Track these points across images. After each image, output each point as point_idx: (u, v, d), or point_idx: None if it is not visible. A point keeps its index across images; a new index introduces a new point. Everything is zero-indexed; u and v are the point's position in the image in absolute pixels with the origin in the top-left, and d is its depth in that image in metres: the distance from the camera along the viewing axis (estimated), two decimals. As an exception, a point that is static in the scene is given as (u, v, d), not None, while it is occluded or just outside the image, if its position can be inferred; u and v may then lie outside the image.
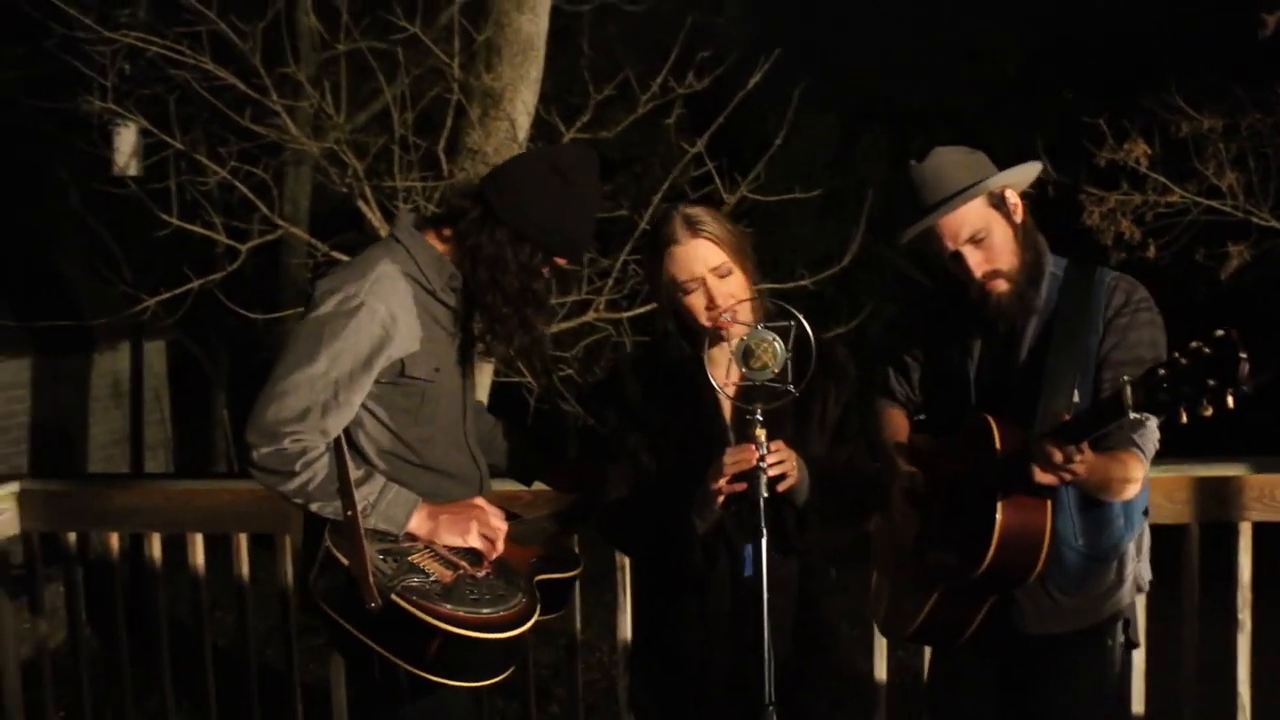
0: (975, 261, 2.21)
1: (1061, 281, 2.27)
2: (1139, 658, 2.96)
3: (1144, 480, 2.22)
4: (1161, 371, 1.73)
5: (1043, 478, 1.96)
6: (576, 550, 2.72)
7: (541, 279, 2.26)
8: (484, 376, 5.15)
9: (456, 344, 2.31)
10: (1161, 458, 2.24)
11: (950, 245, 2.22)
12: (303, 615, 3.27)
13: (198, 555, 3.22)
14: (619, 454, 2.29)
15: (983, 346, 2.31)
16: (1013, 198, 2.26)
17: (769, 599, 1.96)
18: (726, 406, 2.23)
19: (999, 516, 2.07)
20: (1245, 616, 2.98)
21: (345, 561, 2.06)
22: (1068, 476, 1.96)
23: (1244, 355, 1.66)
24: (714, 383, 2.10)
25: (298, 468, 2.09)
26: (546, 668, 6.02)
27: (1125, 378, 1.81)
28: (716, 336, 2.17)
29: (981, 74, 17.76)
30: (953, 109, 16.83)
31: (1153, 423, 2.18)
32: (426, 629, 2.00)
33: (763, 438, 1.99)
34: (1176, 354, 1.72)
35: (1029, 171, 2.32)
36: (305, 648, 3.58)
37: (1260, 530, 2.97)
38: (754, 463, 1.98)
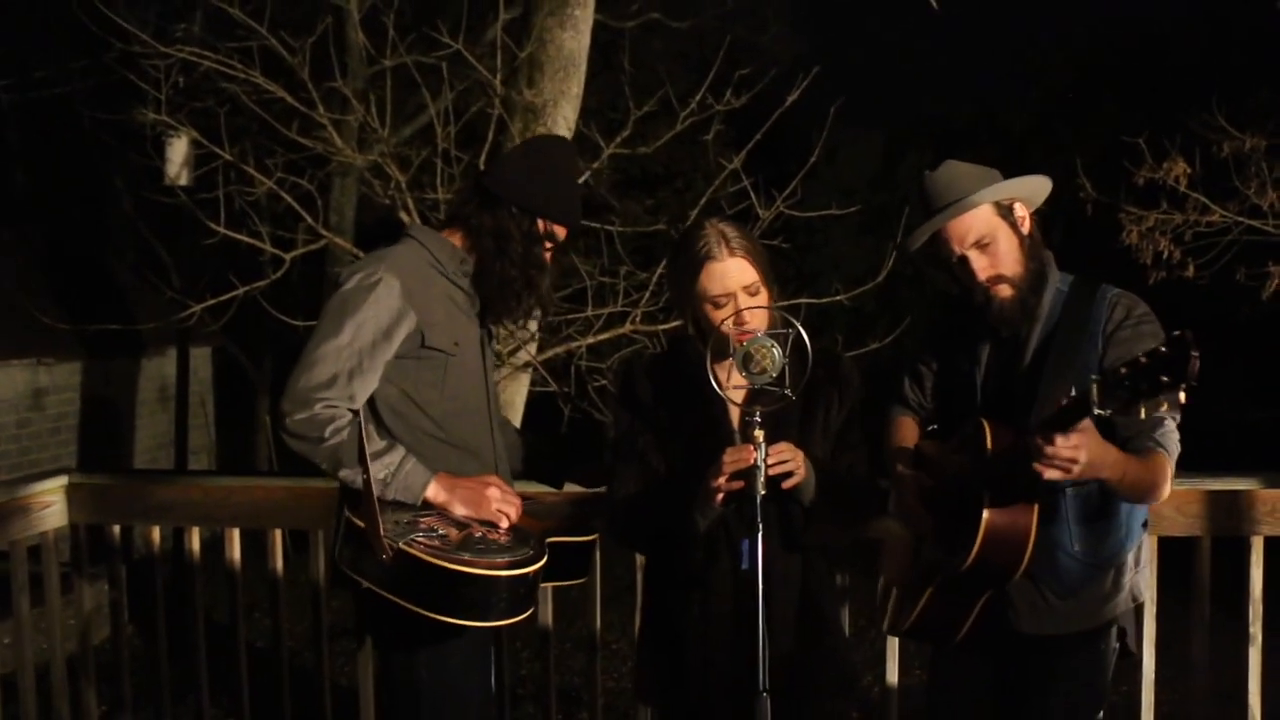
0: (980, 265, 2.29)
1: (1066, 296, 2.34)
2: (1149, 669, 2.97)
3: (1169, 478, 2.23)
4: (1123, 370, 1.79)
5: (1041, 469, 2.00)
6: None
7: (541, 245, 2.49)
8: (520, 386, 5.23)
9: (474, 327, 2.51)
10: (1174, 471, 2.26)
11: (957, 249, 2.30)
12: (334, 615, 3.36)
13: (234, 550, 3.33)
14: (629, 454, 2.38)
15: (990, 354, 2.39)
16: (1020, 210, 2.34)
17: (772, 593, 2.04)
18: (733, 410, 2.31)
19: (985, 514, 2.14)
20: (1256, 630, 2.99)
21: (362, 525, 2.21)
22: (1063, 466, 1.98)
23: (1195, 354, 1.72)
24: (716, 386, 2.18)
25: (327, 434, 2.27)
26: (578, 674, 6.08)
27: (1094, 376, 1.86)
28: (721, 344, 2.23)
29: (1026, 93, 17.69)
30: (997, 127, 16.77)
31: (1171, 425, 2.23)
32: (433, 572, 2.14)
33: (762, 439, 2.06)
34: (1139, 355, 1.79)
35: (1037, 185, 2.38)
36: (337, 650, 3.66)
37: (1272, 545, 2.98)
38: (751, 462, 2.05)
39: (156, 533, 3.43)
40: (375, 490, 2.23)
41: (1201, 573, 2.98)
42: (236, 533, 3.32)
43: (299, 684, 3.44)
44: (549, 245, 2.52)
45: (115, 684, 3.52)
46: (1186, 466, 2.65)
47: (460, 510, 2.34)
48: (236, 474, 3.40)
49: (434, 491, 2.33)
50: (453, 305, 2.45)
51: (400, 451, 2.34)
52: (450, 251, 2.47)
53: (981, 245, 2.29)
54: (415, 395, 2.41)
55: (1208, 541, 2.97)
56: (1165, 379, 1.74)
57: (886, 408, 2.59)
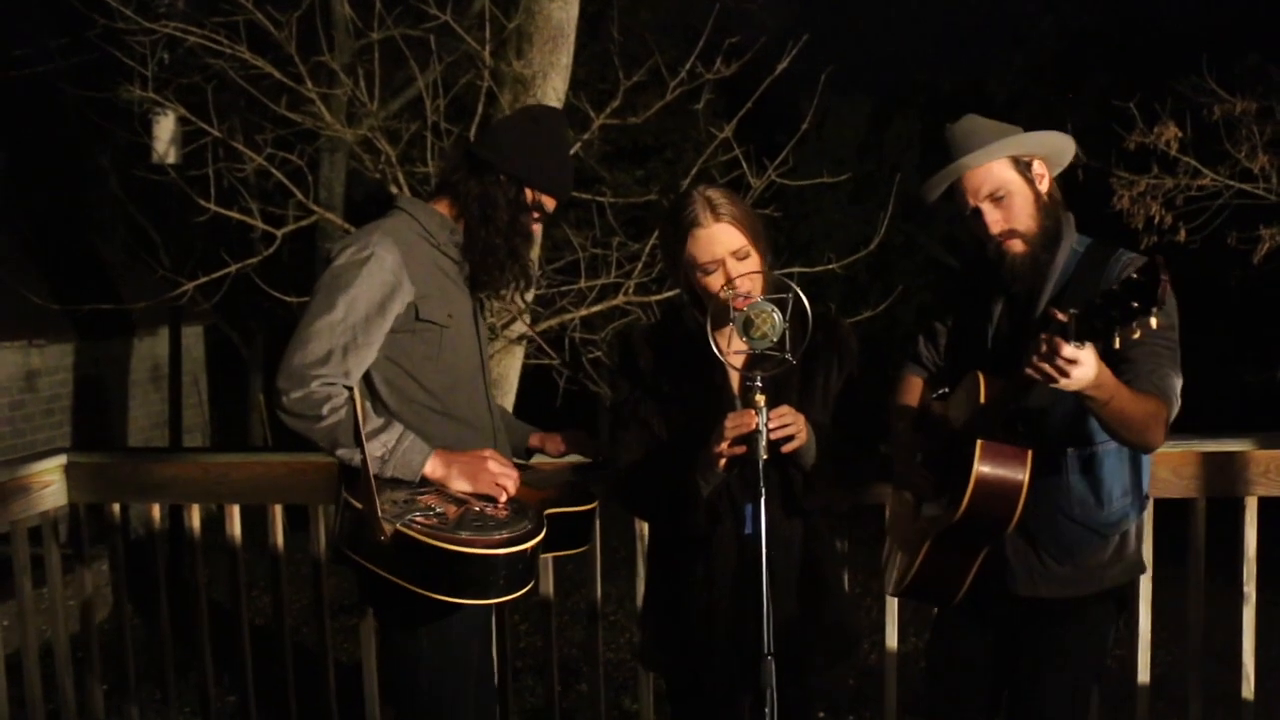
0: (993, 219, 2.29)
1: (1080, 256, 2.33)
2: (1145, 630, 3.01)
3: (1164, 425, 2.19)
4: (1098, 301, 1.81)
5: (1032, 371, 1.95)
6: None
7: (528, 214, 2.48)
8: (514, 360, 5.23)
9: (466, 298, 2.51)
10: (1168, 433, 2.27)
11: (971, 201, 2.30)
12: (335, 591, 3.37)
13: (234, 526, 3.34)
14: (630, 421, 2.39)
15: (1002, 311, 2.39)
16: (1039, 168, 2.33)
17: (773, 556, 2.06)
18: (733, 376, 2.32)
19: (976, 462, 2.14)
20: (1250, 589, 3.03)
21: (360, 505, 2.22)
22: (1060, 369, 1.92)
23: (1164, 277, 1.73)
24: (717, 351, 2.19)
25: (325, 411, 2.25)
26: (577, 646, 6.12)
27: (1073, 309, 1.87)
28: (721, 310, 2.24)
29: (1014, 58, 17.62)
30: (985, 93, 16.71)
31: (1173, 378, 2.21)
32: (430, 552, 2.14)
33: (762, 403, 2.08)
34: (1113, 284, 1.80)
35: (1060, 143, 2.37)
36: (339, 626, 3.67)
37: (1266, 505, 3.00)
38: (753, 426, 2.07)
39: (156, 511, 3.44)
40: (373, 468, 2.23)
41: (1197, 534, 3.01)
42: (237, 509, 3.33)
43: (301, 659, 3.45)
44: (536, 215, 2.51)
45: (118, 663, 3.53)
46: (1181, 429, 2.67)
47: (458, 485, 2.34)
48: (235, 450, 3.39)
49: (432, 467, 2.33)
50: (444, 277, 2.45)
51: (398, 429, 2.33)
52: (440, 221, 2.46)
53: (996, 198, 2.29)
54: (411, 369, 2.40)
55: (1202, 503, 3.00)
56: (1136, 304, 1.75)
57: (899, 367, 2.59)
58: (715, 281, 2.29)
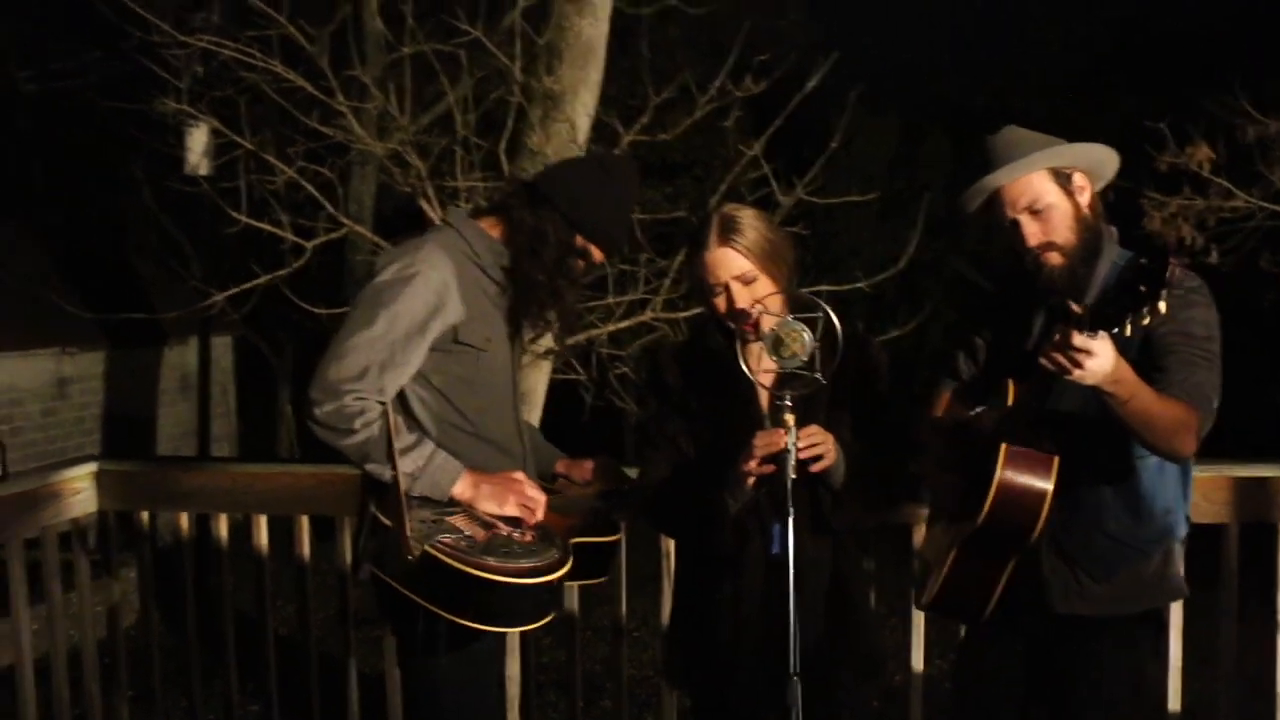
0: (1031, 231, 2.25)
1: (1120, 269, 2.27)
2: (1175, 655, 2.97)
3: (1196, 437, 2.14)
4: (1110, 291, 1.80)
5: (1045, 362, 1.94)
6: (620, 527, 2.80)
7: (575, 255, 2.43)
8: (542, 374, 5.23)
9: (505, 322, 2.47)
10: (1200, 458, 2.24)
11: (1009, 213, 2.27)
12: (360, 603, 3.38)
13: (261, 536, 3.36)
14: (659, 440, 2.40)
15: (1041, 324, 2.35)
16: (1080, 180, 2.29)
17: (801, 575, 2.04)
18: (762, 394, 2.32)
19: (1000, 466, 2.11)
20: (1284, 617, 2.99)
21: (388, 523, 2.20)
22: (1073, 360, 1.89)
23: (1172, 261, 1.72)
24: (746, 370, 2.19)
25: (357, 426, 2.24)
26: (599, 663, 6.10)
27: (1086, 301, 1.87)
28: (744, 334, 2.25)
29: (1046, 77, 17.55)
30: (1014, 111, 16.65)
31: (1207, 385, 2.16)
32: (459, 576, 2.13)
33: (792, 423, 2.07)
34: (1125, 271, 1.79)
35: (1101, 155, 2.33)
36: (363, 637, 3.68)
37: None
38: (783, 445, 2.06)
39: (184, 519, 3.46)
40: (403, 485, 2.22)
41: (1229, 559, 2.97)
42: (264, 519, 3.35)
43: (325, 670, 3.46)
44: (582, 262, 2.47)
45: (144, 669, 3.55)
46: (1214, 454, 2.63)
47: (486, 506, 2.32)
48: (262, 460, 3.42)
49: (461, 488, 2.31)
50: (487, 300, 2.42)
51: (429, 447, 2.31)
52: (488, 243, 2.43)
53: (1034, 211, 2.25)
54: (444, 389, 2.38)
55: (1235, 528, 2.96)
56: (1143, 289, 1.74)
57: (936, 384, 2.55)
58: (721, 303, 2.31)
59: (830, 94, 5.84)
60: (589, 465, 2.69)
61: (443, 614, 2.16)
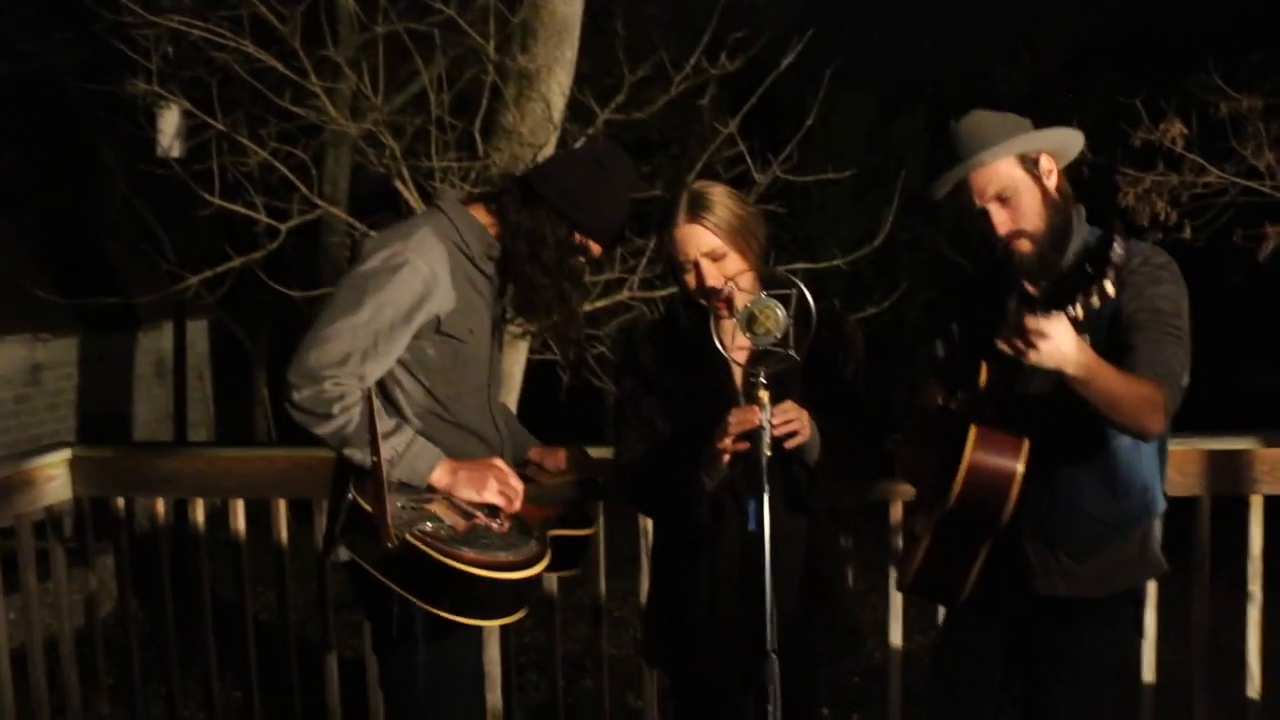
0: (1000, 220, 2.25)
1: (1091, 248, 2.31)
2: (1150, 628, 3.00)
3: (1165, 415, 2.14)
4: (1062, 273, 1.81)
5: (1001, 342, 1.93)
6: (598, 513, 2.80)
7: (576, 256, 2.40)
8: (519, 355, 5.22)
9: (489, 312, 2.45)
10: (1173, 431, 2.25)
11: (978, 201, 2.27)
12: (339, 587, 3.38)
13: (239, 520, 3.34)
14: (633, 419, 2.40)
15: (1014, 307, 2.35)
16: (1047, 164, 2.30)
17: (776, 554, 2.05)
18: (736, 371, 2.32)
19: (968, 448, 2.12)
20: (1256, 588, 3.03)
21: (368, 508, 2.18)
22: (1028, 341, 1.89)
23: (1116, 239, 1.73)
24: (720, 347, 2.18)
25: (335, 411, 2.22)
26: (579, 642, 6.12)
27: (1044, 280, 1.87)
28: (716, 311, 2.25)
29: (1021, 54, 17.58)
30: (991, 89, 16.68)
31: (1177, 363, 2.17)
32: (438, 567, 2.11)
33: (766, 400, 2.07)
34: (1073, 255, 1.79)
35: (1069, 138, 2.34)
36: (343, 621, 3.67)
37: (1271, 503, 2.99)
38: (757, 423, 2.07)
39: (160, 505, 3.44)
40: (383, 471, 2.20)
41: (1201, 532, 3.00)
42: (240, 504, 3.33)
43: (305, 654, 3.46)
44: (582, 258, 2.44)
45: (122, 657, 3.53)
46: (1186, 427, 2.64)
47: (464, 493, 2.31)
48: (238, 444, 3.40)
49: (439, 475, 2.30)
50: (473, 290, 2.39)
51: (408, 433, 2.30)
52: (478, 233, 2.39)
53: (1002, 199, 2.25)
54: (423, 376, 2.37)
55: (1208, 501, 2.99)
56: (1089, 268, 1.74)
57: (920, 374, 2.56)
58: (691, 280, 2.31)
59: (807, 72, 5.83)
60: (562, 454, 2.66)
61: (418, 603, 2.15)
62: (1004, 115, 2.33)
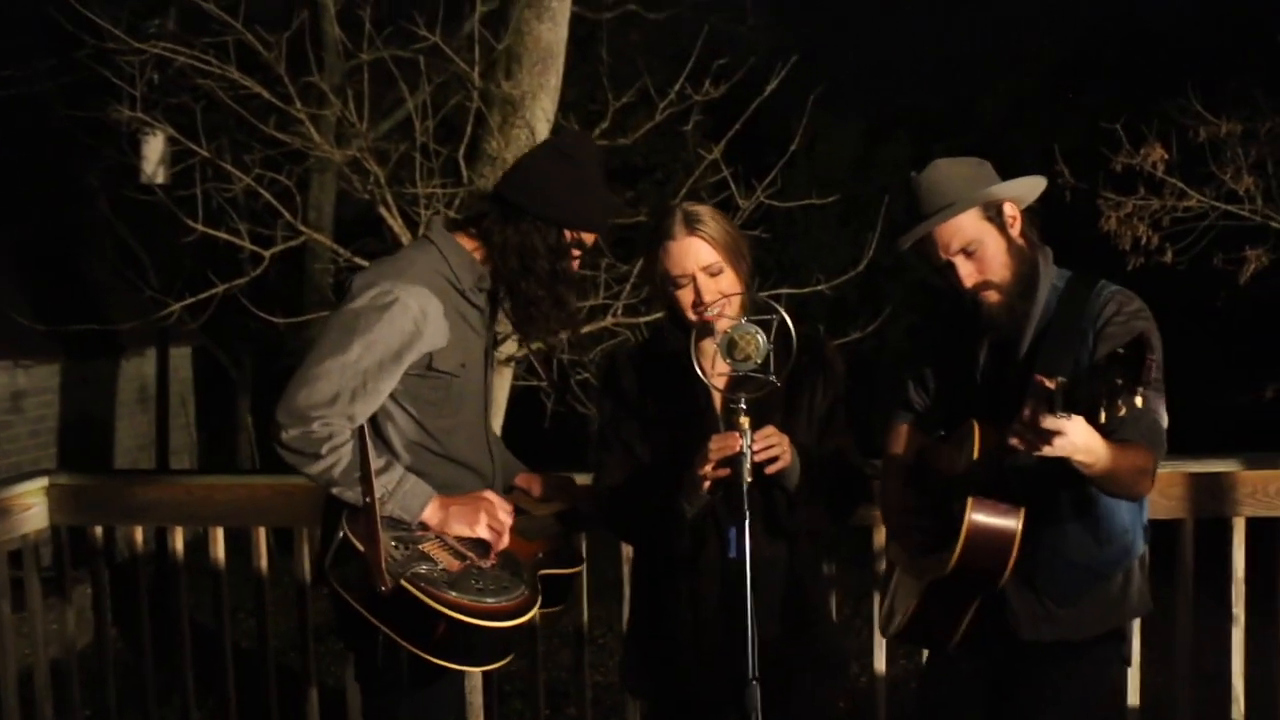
0: (965, 272, 2.25)
1: (1061, 292, 2.29)
2: (1134, 651, 2.99)
3: (1153, 475, 2.18)
4: (1084, 374, 1.79)
5: (1016, 441, 1.94)
6: (582, 549, 2.78)
7: (569, 258, 2.37)
8: (503, 380, 5.21)
9: (481, 344, 2.43)
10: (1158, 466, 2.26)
11: (943, 255, 2.26)
12: (320, 616, 3.34)
13: (219, 549, 3.31)
14: (614, 443, 2.38)
15: (987, 353, 2.35)
16: (1010, 210, 2.28)
17: (757, 580, 2.03)
18: (717, 397, 2.31)
19: (968, 516, 2.11)
20: (1239, 610, 3.03)
21: (361, 548, 2.15)
22: (1042, 438, 1.91)
23: (1151, 356, 1.71)
24: (700, 373, 2.17)
25: (324, 451, 2.19)
26: (565, 670, 6.08)
27: (1060, 378, 1.85)
28: (705, 330, 2.25)
29: (1004, 80, 17.74)
30: (975, 115, 16.82)
31: (1159, 420, 2.19)
32: (432, 614, 2.09)
33: (747, 426, 2.06)
34: (1099, 359, 1.78)
35: (1031, 185, 2.33)
36: (324, 650, 3.64)
37: (1254, 526, 3.00)
38: (738, 449, 2.05)
39: (139, 534, 3.41)
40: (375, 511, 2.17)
41: (1185, 554, 3.00)
42: (220, 532, 3.30)
43: (285, 684, 3.42)
44: (576, 255, 2.40)
45: (100, 688, 3.49)
46: (1169, 450, 2.64)
47: (455, 529, 2.28)
48: (219, 472, 3.37)
49: (430, 512, 2.27)
50: (465, 325, 2.36)
51: (398, 471, 2.27)
52: (468, 264, 2.36)
53: (968, 251, 2.24)
54: (415, 411, 2.34)
55: (1191, 523, 2.99)
56: (1120, 382, 1.73)
57: (890, 414, 2.54)
58: (686, 296, 2.28)
59: (792, 99, 5.87)
60: (548, 482, 2.64)
61: (407, 645, 2.12)
62: (965, 163, 2.31)
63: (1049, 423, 1.86)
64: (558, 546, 2.52)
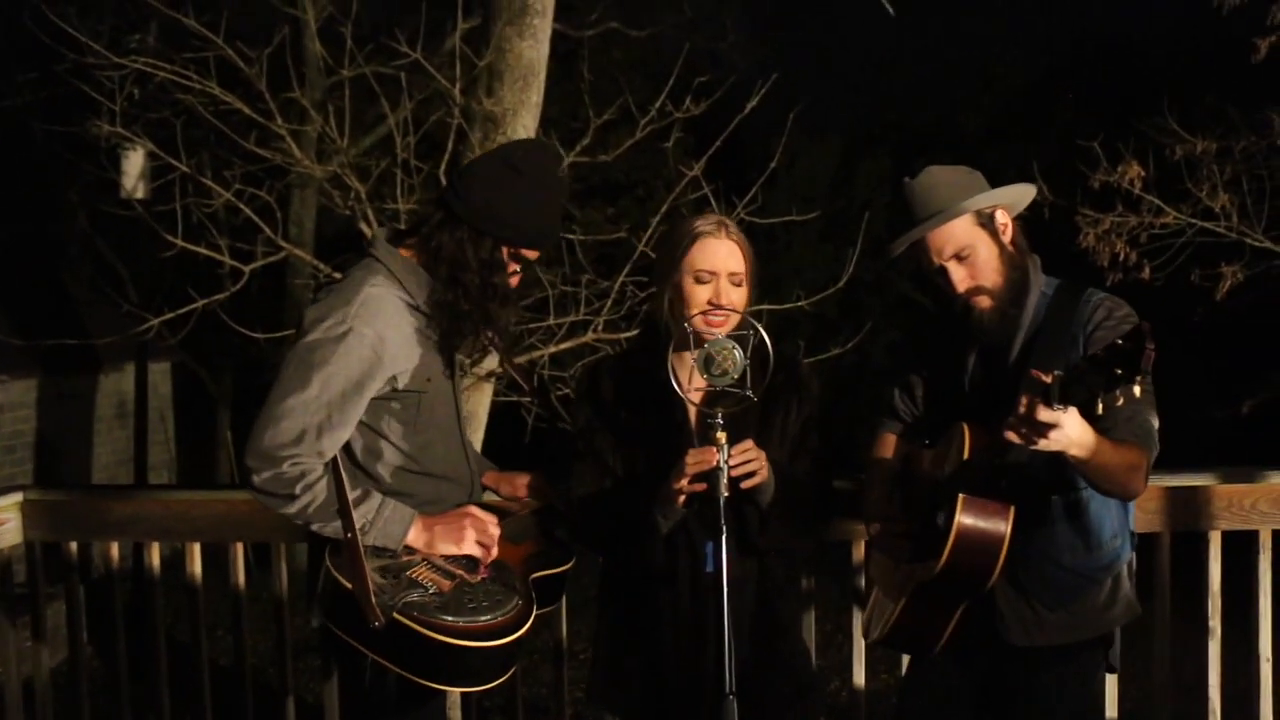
0: (958, 278, 2.28)
1: (1050, 300, 2.32)
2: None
3: (1145, 474, 2.19)
4: (1082, 365, 1.80)
5: (1010, 430, 1.94)
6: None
7: (503, 273, 2.30)
8: (484, 396, 5.20)
9: (442, 354, 2.37)
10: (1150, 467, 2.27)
11: (935, 260, 2.29)
12: (298, 633, 3.32)
13: (195, 564, 3.29)
14: (587, 454, 2.38)
15: (975, 360, 2.37)
16: (1002, 218, 2.32)
17: (729, 596, 2.03)
18: (693, 412, 2.31)
19: (958, 517, 2.13)
20: (1215, 623, 3.05)
21: (347, 584, 2.12)
22: (1039, 432, 1.91)
23: (1150, 346, 1.72)
24: (676, 387, 2.17)
25: (298, 490, 2.15)
26: (545, 685, 6.05)
27: (1056, 371, 1.85)
28: (684, 343, 2.25)
29: (982, 98, 17.88)
30: (954, 132, 16.93)
31: (1150, 422, 2.21)
32: (429, 643, 2.06)
33: (723, 440, 2.06)
34: (1097, 349, 1.79)
35: (1022, 193, 2.37)
36: (302, 667, 3.62)
37: (1230, 539, 3.03)
38: (714, 463, 2.05)
39: (115, 549, 3.38)
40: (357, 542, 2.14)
41: (1162, 568, 3.02)
42: (197, 547, 3.28)
43: (263, 701, 3.39)
44: (514, 269, 2.32)
45: (74, 707, 3.45)
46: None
47: (442, 549, 2.25)
48: (196, 487, 3.35)
49: (414, 536, 2.24)
50: (424, 339, 2.30)
51: (376, 499, 2.23)
52: (417, 278, 2.29)
53: (960, 257, 2.27)
54: (387, 433, 2.31)
55: (1168, 537, 3.01)
56: (1120, 371, 1.74)
57: (875, 423, 2.56)
58: (704, 293, 2.29)
59: (772, 116, 5.90)
60: (520, 481, 2.60)
61: (411, 678, 2.10)
62: (958, 170, 2.34)
63: (1045, 415, 1.87)
64: (545, 546, 2.49)
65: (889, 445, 2.54)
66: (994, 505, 2.14)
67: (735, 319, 2.29)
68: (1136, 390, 1.75)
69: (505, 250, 2.30)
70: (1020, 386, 2.01)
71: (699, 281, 2.29)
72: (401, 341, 2.25)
